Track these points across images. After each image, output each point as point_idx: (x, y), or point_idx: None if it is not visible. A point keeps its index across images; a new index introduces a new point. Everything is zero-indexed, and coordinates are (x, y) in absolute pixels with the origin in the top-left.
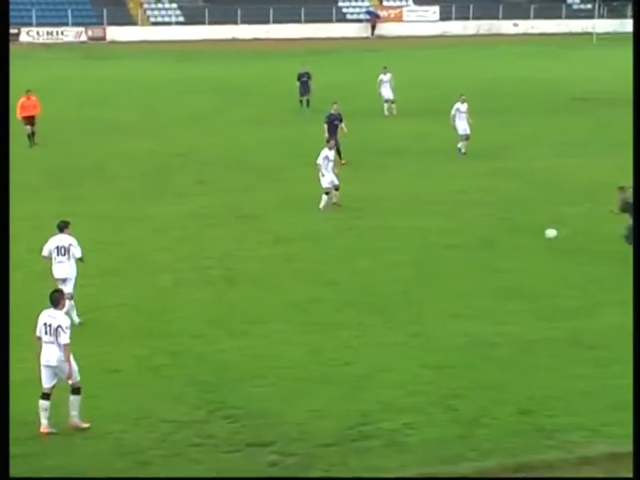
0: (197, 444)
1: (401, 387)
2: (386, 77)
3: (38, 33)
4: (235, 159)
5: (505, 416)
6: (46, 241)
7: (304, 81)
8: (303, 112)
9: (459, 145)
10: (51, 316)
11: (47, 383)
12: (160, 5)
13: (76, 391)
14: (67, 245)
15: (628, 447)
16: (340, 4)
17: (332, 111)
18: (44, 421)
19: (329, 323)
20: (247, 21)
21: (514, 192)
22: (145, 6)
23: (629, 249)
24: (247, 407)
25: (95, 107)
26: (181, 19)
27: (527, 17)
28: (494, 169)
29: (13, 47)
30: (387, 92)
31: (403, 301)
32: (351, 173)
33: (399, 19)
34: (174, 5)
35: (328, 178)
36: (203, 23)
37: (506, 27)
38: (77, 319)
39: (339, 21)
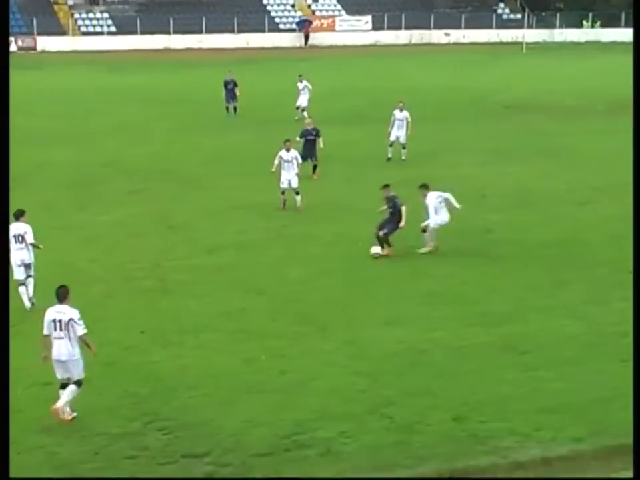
0: (131, 456)
1: (335, 394)
2: (301, 85)
3: None
4: (161, 168)
5: (439, 422)
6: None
7: (230, 88)
8: (230, 118)
9: (389, 155)
10: (59, 312)
11: (60, 374)
12: (91, 15)
13: (77, 382)
14: (22, 233)
15: (559, 451)
16: (272, 14)
17: (306, 127)
18: (67, 409)
19: (262, 332)
20: (180, 30)
21: None
22: (76, 16)
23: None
24: (181, 418)
25: (20, 116)
26: (113, 28)
27: (458, 27)
28: (421, 176)
29: None
30: (302, 100)
31: (334, 309)
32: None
33: (331, 28)
34: (105, 15)
35: (283, 178)
36: (134, 32)
37: (437, 36)
38: (27, 304)
39: (271, 30)
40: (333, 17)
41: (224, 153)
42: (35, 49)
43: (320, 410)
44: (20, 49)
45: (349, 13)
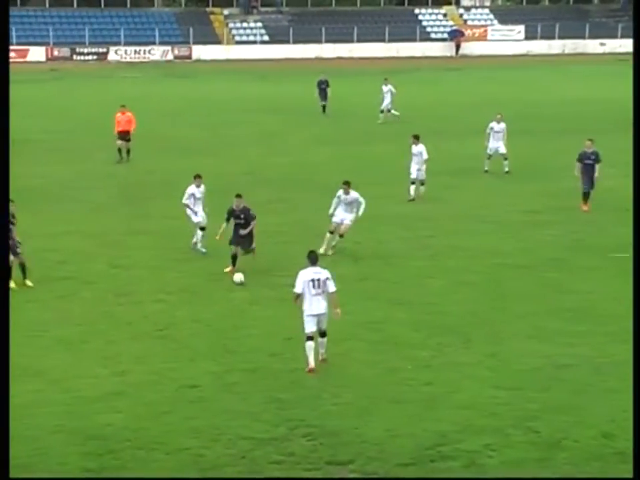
0: (277, 461)
1: (478, 407)
2: (386, 88)
3: (126, 52)
4: (300, 177)
5: (586, 439)
6: None
7: (323, 87)
8: (322, 116)
9: (486, 167)
10: (316, 272)
11: (310, 328)
12: (245, 24)
13: (323, 334)
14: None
15: None
16: (424, 23)
17: (586, 149)
18: (311, 360)
19: (404, 342)
20: (331, 39)
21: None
22: (231, 25)
23: None
24: (325, 425)
25: (170, 125)
26: (266, 37)
27: (614, 36)
28: (562, 189)
29: (100, 66)
30: (386, 103)
31: (476, 321)
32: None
33: (483, 38)
34: (259, 24)
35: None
36: (287, 42)
37: (592, 46)
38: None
39: (422, 40)
40: (485, 26)
41: (364, 163)
42: (190, 57)
43: (463, 422)
44: (176, 57)
45: (501, 22)
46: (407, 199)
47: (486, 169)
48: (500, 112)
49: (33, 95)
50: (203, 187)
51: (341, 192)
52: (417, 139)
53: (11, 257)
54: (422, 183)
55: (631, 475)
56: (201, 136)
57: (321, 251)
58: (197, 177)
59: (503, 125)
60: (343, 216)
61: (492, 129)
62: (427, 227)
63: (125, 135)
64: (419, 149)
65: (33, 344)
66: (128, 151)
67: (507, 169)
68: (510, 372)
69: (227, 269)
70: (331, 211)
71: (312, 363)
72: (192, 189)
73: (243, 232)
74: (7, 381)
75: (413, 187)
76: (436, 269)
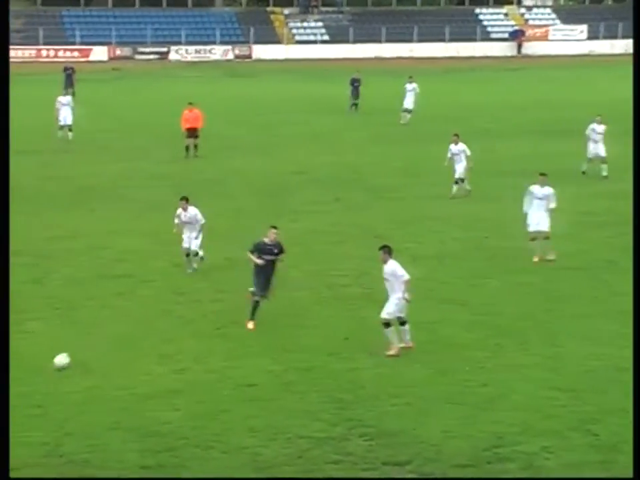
0: (335, 461)
1: (535, 409)
2: (410, 86)
3: (187, 52)
4: (351, 177)
5: None
6: None
7: (356, 85)
8: (351, 113)
9: (584, 168)
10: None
11: (395, 315)
12: (305, 24)
13: (404, 323)
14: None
15: None
16: (485, 23)
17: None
18: (396, 343)
19: (459, 343)
20: (391, 39)
21: None
22: (291, 24)
23: None
24: (382, 425)
25: (227, 124)
26: (326, 37)
27: None
28: (621, 190)
29: (161, 65)
30: (408, 102)
31: (532, 323)
32: (476, 193)
33: (544, 37)
34: (319, 24)
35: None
36: (347, 41)
37: None
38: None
39: (483, 39)
40: (547, 26)
41: (414, 164)
42: (250, 57)
43: (520, 424)
44: (236, 57)
45: (563, 22)
46: (449, 196)
47: (584, 170)
48: (599, 113)
49: (95, 94)
50: (192, 210)
51: (534, 186)
52: (457, 137)
53: None
54: (462, 181)
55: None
56: (256, 135)
57: (536, 259)
58: (183, 199)
59: (603, 127)
60: (537, 219)
61: (593, 130)
62: (483, 228)
63: (192, 132)
64: (459, 147)
65: (91, 341)
66: (195, 147)
67: (604, 173)
68: (567, 374)
69: (250, 325)
70: (524, 208)
71: (398, 346)
72: (178, 211)
73: (266, 265)
74: (7, 381)
75: (455, 187)
76: (492, 270)
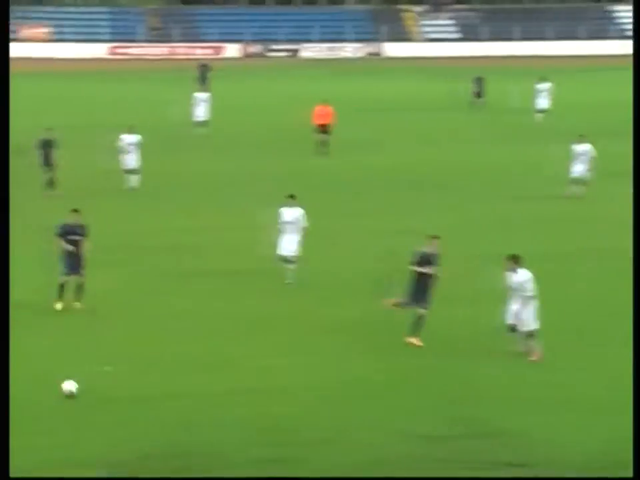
0: (452, 460)
1: None
2: (542, 87)
3: (318, 49)
4: (488, 177)
5: None
6: None
7: (478, 85)
8: (475, 111)
9: None
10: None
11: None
12: (437, 22)
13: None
14: None
15: None
16: (618, 20)
17: None
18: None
19: (570, 344)
20: (524, 37)
21: None
22: (422, 22)
23: None
24: (501, 426)
25: (354, 121)
26: (457, 35)
27: None
28: None
29: (292, 63)
30: (541, 102)
31: None
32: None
33: None
34: (451, 22)
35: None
36: (479, 39)
37: None
38: None
39: (617, 37)
40: None
41: (538, 165)
42: (380, 55)
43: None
44: (367, 54)
45: None
46: (563, 195)
47: None
48: None
49: (228, 91)
50: (295, 209)
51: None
52: (583, 137)
53: (65, 276)
54: (584, 183)
55: None
56: (385, 133)
57: None
58: (290, 197)
59: None
60: None
61: None
62: (592, 230)
63: (323, 128)
64: (584, 147)
65: (216, 335)
66: (326, 143)
67: None
68: None
69: (414, 341)
70: None
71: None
72: (283, 210)
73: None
74: (7, 381)
75: (573, 187)
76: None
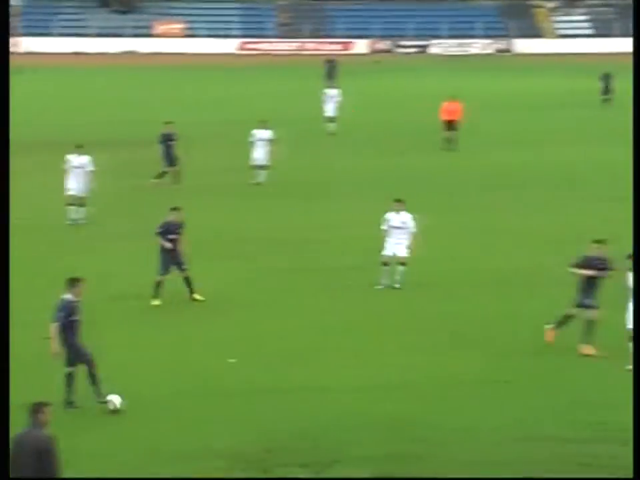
0: (582, 463)
1: None
2: None
3: (447, 45)
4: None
5: None
6: None
7: (607, 82)
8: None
9: None
10: None
11: None
12: (569, 17)
13: None
14: None
15: None
16: None
17: None
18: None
19: None
20: None
21: None
22: (554, 18)
23: None
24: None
25: (483, 118)
26: (590, 31)
27: None
28: None
29: (421, 59)
30: None
31: None
32: None
33: None
34: (584, 17)
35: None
36: (614, 35)
37: None
38: None
39: None
40: None
41: None
42: (509, 51)
43: None
44: (496, 51)
45: None
46: None
47: None
48: None
49: (356, 87)
50: (404, 214)
51: None
52: None
53: (161, 276)
54: None
55: None
56: (516, 129)
57: None
58: (397, 201)
59: None
60: None
61: None
62: None
63: (451, 124)
64: None
65: (335, 331)
66: (454, 140)
67: None
68: None
69: (588, 349)
70: None
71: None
72: (390, 215)
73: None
74: (8, 381)
75: None
76: None
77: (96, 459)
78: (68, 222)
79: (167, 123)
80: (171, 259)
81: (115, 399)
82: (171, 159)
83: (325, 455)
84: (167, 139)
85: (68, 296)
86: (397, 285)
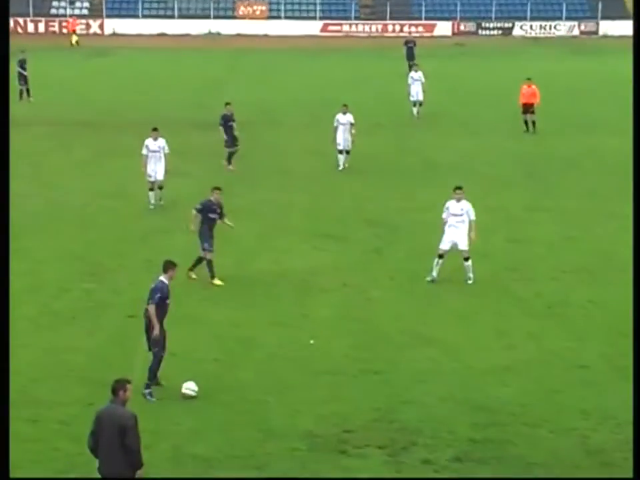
0: None
1: None
2: None
3: (531, 27)
4: None
5: None
6: None
7: None
8: None
9: None
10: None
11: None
12: None
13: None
14: None
15: None
16: None
17: None
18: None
19: None
20: None
21: None
22: None
23: None
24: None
25: (573, 102)
26: None
27: None
28: None
29: (505, 41)
30: None
31: None
32: None
33: None
34: None
35: None
36: None
37: None
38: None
39: None
40: None
41: None
42: (596, 33)
43: None
44: (582, 33)
45: None
46: None
47: None
48: None
49: (440, 70)
50: (464, 202)
51: None
52: None
53: (210, 252)
54: None
55: None
56: (605, 114)
57: None
58: (457, 188)
59: None
60: None
61: None
62: None
63: (528, 107)
64: None
65: (430, 314)
66: (533, 123)
67: None
68: None
69: None
70: None
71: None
72: (450, 203)
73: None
74: (7, 380)
75: None
76: None
77: (181, 435)
78: (150, 207)
79: (226, 104)
80: (210, 237)
81: (191, 386)
82: (232, 140)
83: (407, 436)
84: (226, 120)
85: (163, 278)
86: (470, 282)
